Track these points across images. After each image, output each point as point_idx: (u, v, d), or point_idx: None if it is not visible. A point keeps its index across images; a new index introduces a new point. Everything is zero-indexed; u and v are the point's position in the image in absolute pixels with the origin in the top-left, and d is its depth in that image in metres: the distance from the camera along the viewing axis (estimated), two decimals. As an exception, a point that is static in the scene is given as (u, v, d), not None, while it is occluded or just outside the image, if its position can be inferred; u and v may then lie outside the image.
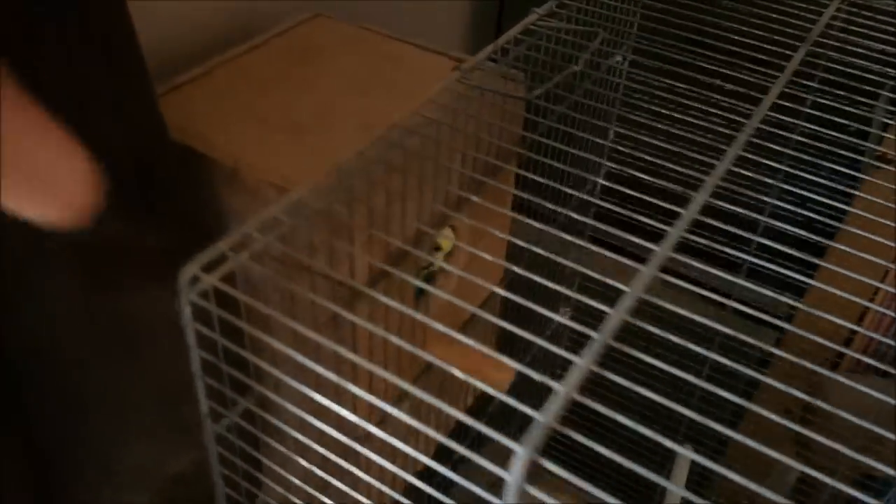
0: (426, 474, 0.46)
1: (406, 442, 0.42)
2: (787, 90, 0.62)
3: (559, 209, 0.57)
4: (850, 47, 0.71)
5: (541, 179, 0.58)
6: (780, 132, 0.62)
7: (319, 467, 0.48)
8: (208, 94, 0.71)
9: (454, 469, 0.42)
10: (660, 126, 0.67)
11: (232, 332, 0.45)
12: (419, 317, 0.69)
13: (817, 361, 0.46)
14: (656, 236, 0.47)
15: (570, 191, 0.57)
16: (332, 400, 0.43)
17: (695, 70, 0.70)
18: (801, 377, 0.50)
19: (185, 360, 0.47)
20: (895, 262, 0.55)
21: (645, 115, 0.71)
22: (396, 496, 0.49)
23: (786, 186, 0.59)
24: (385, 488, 0.46)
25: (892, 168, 0.77)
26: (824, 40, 0.69)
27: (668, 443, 0.37)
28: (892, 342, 1.02)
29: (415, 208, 0.65)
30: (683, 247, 0.49)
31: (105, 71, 0.50)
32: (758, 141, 0.57)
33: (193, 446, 0.57)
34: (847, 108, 0.65)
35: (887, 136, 0.86)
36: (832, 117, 0.64)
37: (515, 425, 1.27)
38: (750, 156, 0.55)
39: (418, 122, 0.58)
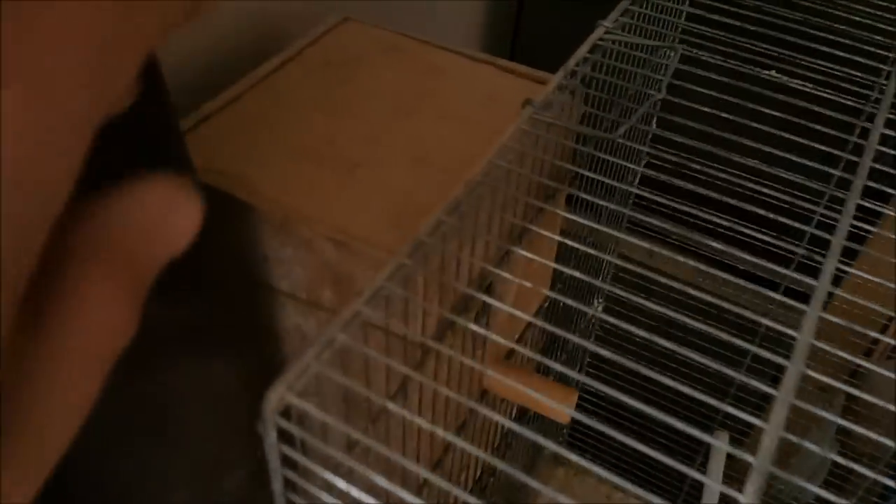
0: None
1: None
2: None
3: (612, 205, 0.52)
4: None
5: (590, 198, 0.53)
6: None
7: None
8: (242, 125, 0.64)
9: None
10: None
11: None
12: (491, 373, 0.64)
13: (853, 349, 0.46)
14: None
15: (614, 206, 0.51)
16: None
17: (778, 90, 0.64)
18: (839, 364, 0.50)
19: (219, 435, 0.42)
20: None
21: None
22: None
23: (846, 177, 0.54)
24: None
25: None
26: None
27: (706, 437, 0.37)
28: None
29: (481, 247, 0.59)
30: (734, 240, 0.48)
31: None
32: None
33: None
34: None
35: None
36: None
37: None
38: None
39: (491, 169, 0.52)
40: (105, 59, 0.12)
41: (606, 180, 0.55)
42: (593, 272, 1.14)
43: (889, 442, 0.39)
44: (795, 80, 0.62)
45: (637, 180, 0.91)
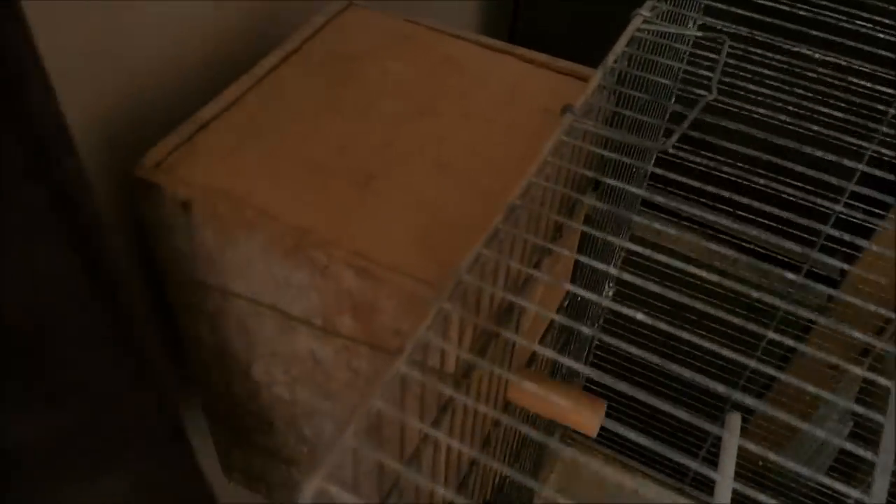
0: None
1: None
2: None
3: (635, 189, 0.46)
4: None
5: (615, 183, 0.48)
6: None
7: None
8: (243, 133, 0.58)
9: None
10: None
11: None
12: (518, 385, 0.59)
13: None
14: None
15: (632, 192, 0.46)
16: None
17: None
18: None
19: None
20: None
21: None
22: None
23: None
24: None
25: None
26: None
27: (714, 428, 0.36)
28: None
29: (515, 257, 0.54)
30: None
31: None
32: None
33: None
34: None
35: None
36: None
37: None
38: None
39: (531, 188, 0.46)
40: None
41: (628, 187, 0.50)
42: (606, 257, 1.10)
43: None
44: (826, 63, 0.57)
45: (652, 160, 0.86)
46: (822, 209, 0.49)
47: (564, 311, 0.86)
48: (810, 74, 0.62)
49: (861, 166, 0.51)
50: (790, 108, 0.57)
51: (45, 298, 0.30)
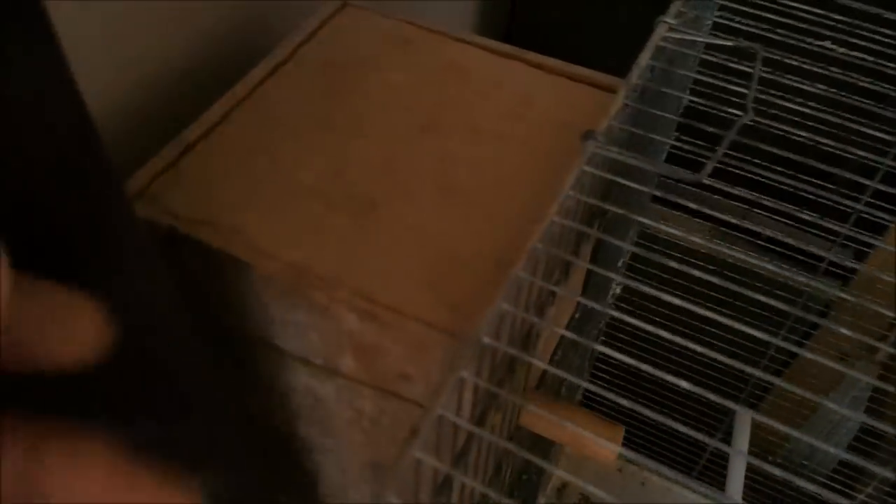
0: None
1: None
2: None
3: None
4: None
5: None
6: None
7: None
8: (231, 155, 0.53)
9: None
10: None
11: None
12: (531, 410, 0.55)
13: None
14: None
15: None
16: None
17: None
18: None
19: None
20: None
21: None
22: None
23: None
24: None
25: None
26: None
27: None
28: None
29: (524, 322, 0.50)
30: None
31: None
32: None
33: None
34: None
35: None
36: None
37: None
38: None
39: (551, 227, 0.42)
40: None
41: (643, 187, 0.46)
42: (615, 258, 1.06)
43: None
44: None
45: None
46: (843, 208, 0.47)
47: (575, 322, 0.82)
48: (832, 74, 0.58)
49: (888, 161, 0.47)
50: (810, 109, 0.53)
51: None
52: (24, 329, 0.18)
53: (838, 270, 1.13)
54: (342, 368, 0.51)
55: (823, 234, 0.99)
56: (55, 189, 0.26)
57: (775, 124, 0.51)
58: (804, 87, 0.53)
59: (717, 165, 0.44)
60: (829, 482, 1.31)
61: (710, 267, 0.46)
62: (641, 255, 0.44)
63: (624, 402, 0.36)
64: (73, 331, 0.20)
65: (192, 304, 0.53)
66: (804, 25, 0.61)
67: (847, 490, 1.26)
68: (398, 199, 0.51)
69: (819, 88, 0.55)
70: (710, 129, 0.46)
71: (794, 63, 0.55)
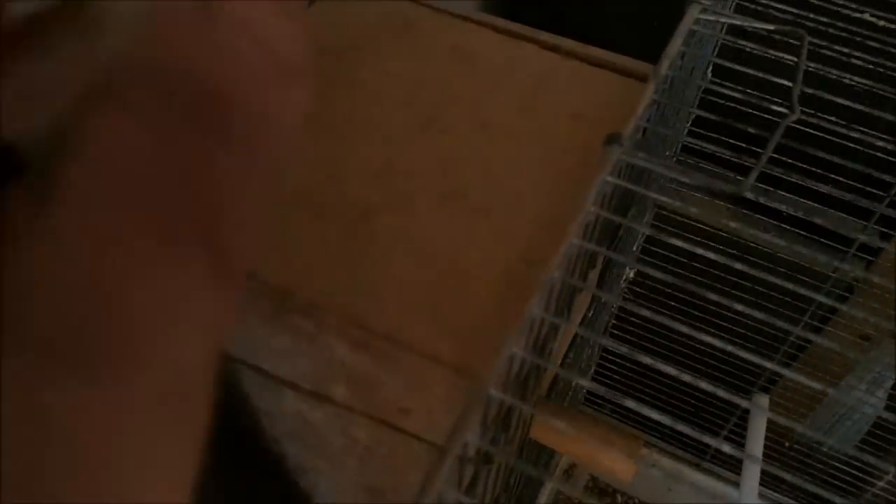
0: None
1: None
2: None
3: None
4: None
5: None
6: None
7: None
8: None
9: None
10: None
11: None
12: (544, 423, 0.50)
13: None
14: None
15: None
16: None
17: None
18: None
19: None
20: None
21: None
22: None
23: None
24: None
25: None
26: None
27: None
28: None
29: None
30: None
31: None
32: None
33: None
34: None
35: None
36: None
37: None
38: None
39: (570, 250, 0.36)
40: None
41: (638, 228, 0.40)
42: (630, 241, 1.00)
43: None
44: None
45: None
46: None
47: (588, 320, 0.77)
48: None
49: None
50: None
51: None
52: None
53: (861, 254, 1.08)
54: (334, 396, 0.46)
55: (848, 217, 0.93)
56: None
57: (814, 121, 0.45)
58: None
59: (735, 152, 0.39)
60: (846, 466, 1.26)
61: (729, 250, 0.41)
62: (656, 237, 0.38)
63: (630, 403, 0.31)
64: None
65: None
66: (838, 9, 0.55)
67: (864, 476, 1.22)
68: (395, 208, 0.46)
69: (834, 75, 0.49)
70: (751, 129, 0.41)
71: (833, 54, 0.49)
